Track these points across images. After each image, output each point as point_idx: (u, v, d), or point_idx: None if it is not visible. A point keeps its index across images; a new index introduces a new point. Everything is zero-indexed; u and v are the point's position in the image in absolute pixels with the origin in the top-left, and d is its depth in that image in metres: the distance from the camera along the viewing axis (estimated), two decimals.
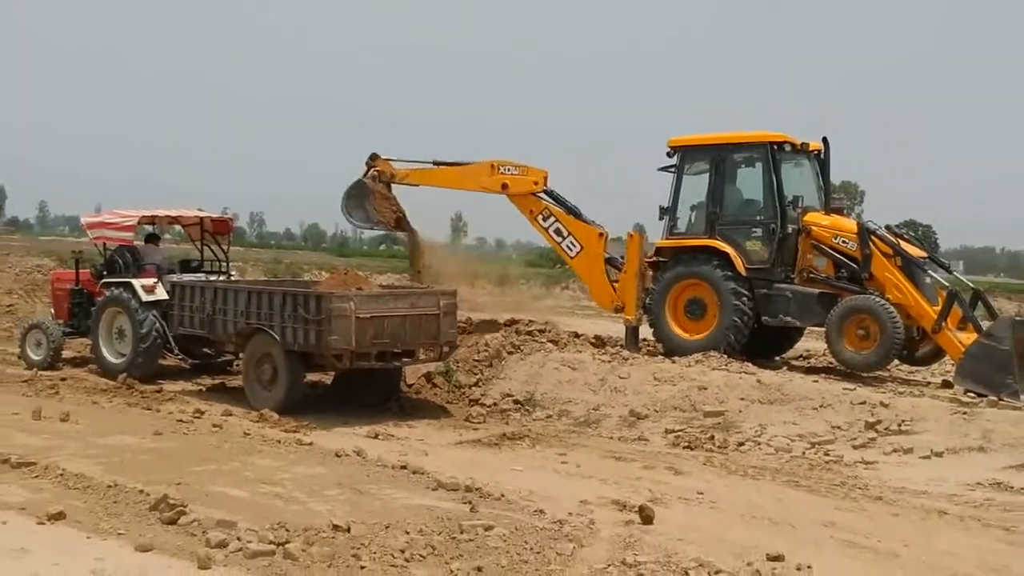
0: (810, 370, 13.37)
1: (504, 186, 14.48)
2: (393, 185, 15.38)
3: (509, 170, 14.49)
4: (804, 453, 9.95)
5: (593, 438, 10.85)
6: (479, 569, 5.87)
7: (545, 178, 14.63)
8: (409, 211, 15.36)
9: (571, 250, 14.49)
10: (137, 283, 13.63)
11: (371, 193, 14.98)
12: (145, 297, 13.49)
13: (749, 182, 13.82)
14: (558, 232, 14.52)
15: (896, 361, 12.93)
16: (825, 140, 13.69)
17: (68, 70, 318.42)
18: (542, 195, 14.63)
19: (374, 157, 15.09)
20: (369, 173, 15.13)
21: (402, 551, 6.10)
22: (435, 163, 15.01)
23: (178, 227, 16.75)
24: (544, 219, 14.53)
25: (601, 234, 14.51)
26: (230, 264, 15.69)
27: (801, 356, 15.22)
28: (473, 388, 12.63)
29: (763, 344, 13.82)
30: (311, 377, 12.44)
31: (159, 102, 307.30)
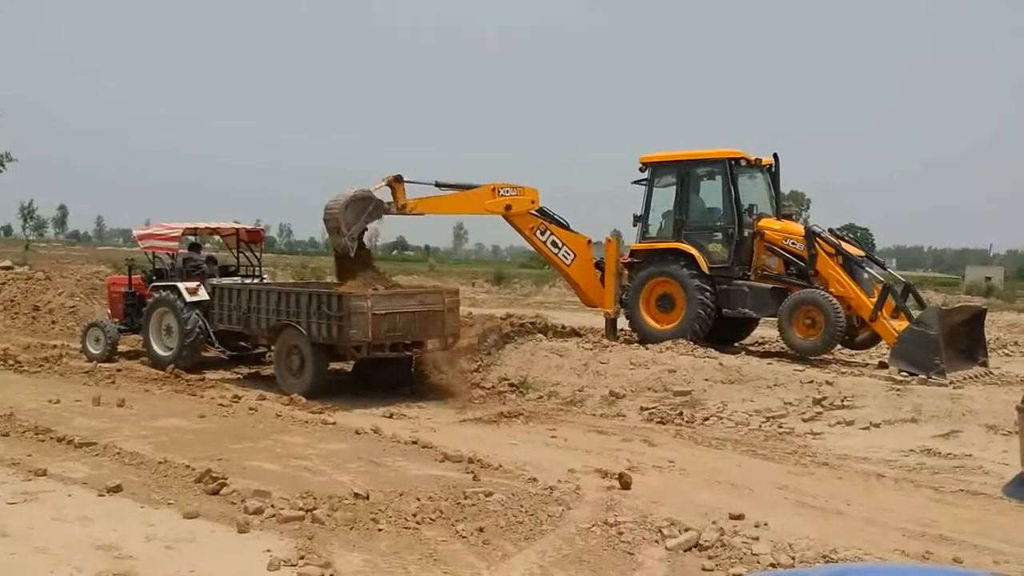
0: (765, 354, 13.37)
1: (508, 207, 13.69)
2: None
3: (508, 192, 13.69)
4: (760, 426, 9.96)
5: (578, 415, 10.85)
6: (481, 529, 5.87)
7: (537, 195, 14.08)
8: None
9: (567, 259, 14.18)
10: (182, 286, 13.64)
11: (379, 218, 12.33)
12: (189, 298, 13.49)
13: (710, 193, 13.82)
14: (554, 244, 14.14)
15: (839, 346, 12.95)
16: (776, 156, 13.72)
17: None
18: (534, 212, 14.17)
19: (399, 179, 12.56)
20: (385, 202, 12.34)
21: (414, 515, 6.10)
22: (437, 184, 13.48)
23: (217, 237, 16.69)
24: (541, 233, 14.10)
25: (588, 241, 14.43)
26: (262, 268, 15.66)
27: (757, 342, 15.22)
28: (474, 373, 12.61)
29: (724, 332, 13.81)
30: (334, 366, 12.41)
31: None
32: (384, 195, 12.43)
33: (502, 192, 13.64)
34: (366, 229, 12.33)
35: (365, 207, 12.19)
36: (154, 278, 14.47)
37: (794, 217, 14.38)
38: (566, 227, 14.34)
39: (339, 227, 11.85)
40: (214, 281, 13.93)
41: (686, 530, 5.87)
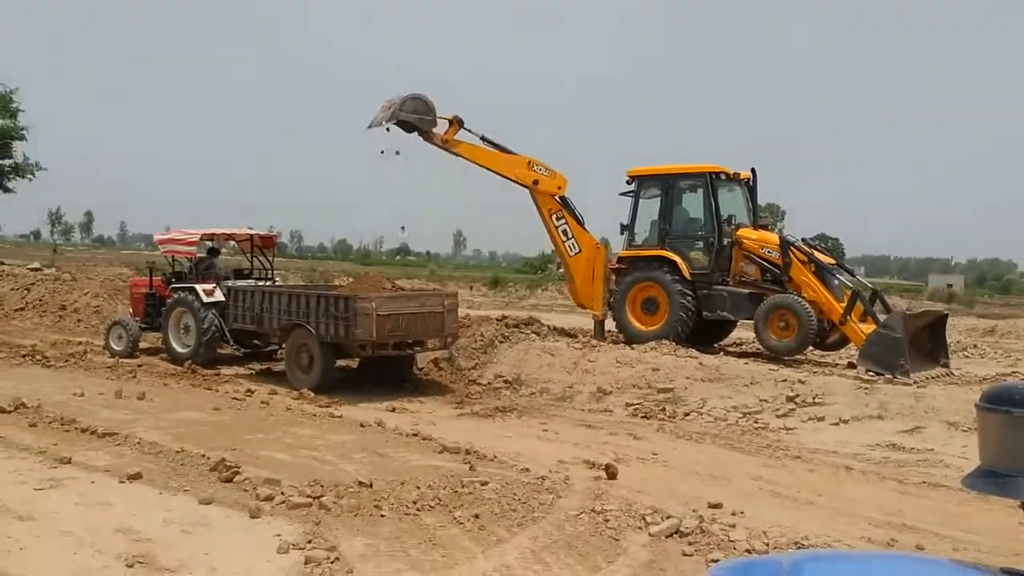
0: (742, 355, 13.39)
1: (535, 182, 13.66)
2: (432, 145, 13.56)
3: (541, 170, 13.68)
4: (737, 421, 9.95)
5: (568, 410, 10.84)
6: (477, 516, 5.86)
7: (566, 184, 13.97)
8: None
9: (572, 250, 14.09)
10: (199, 288, 13.62)
11: (427, 134, 13.27)
12: (206, 299, 13.47)
13: (693, 204, 13.86)
14: (565, 233, 14.03)
15: (811, 347, 12.99)
16: (753, 170, 13.78)
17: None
18: (557, 198, 14.04)
19: (460, 121, 13.28)
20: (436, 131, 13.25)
21: (415, 502, 6.09)
22: (483, 138, 13.59)
23: (232, 242, 16.66)
24: (557, 219, 13.97)
25: (596, 244, 14.39)
26: (275, 272, 15.64)
27: (735, 343, 15.25)
28: (471, 371, 12.60)
29: (704, 334, 13.85)
30: (340, 363, 12.40)
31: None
32: (441, 126, 13.31)
33: (535, 168, 13.67)
34: (411, 127, 13.09)
35: (422, 111, 13.01)
36: (173, 280, 14.46)
37: (770, 227, 14.42)
38: (581, 223, 14.22)
39: (391, 106, 12.80)
40: (229, 283, 13.93)
41: (668, 518, 5.86)
